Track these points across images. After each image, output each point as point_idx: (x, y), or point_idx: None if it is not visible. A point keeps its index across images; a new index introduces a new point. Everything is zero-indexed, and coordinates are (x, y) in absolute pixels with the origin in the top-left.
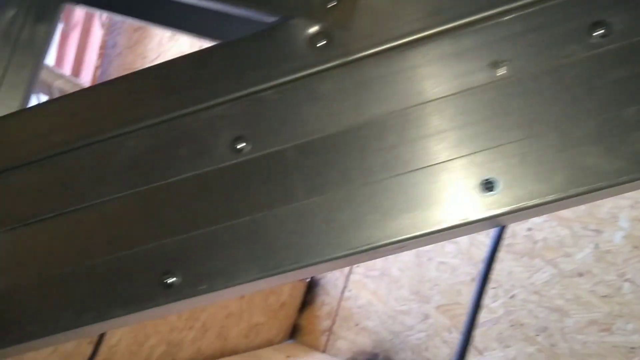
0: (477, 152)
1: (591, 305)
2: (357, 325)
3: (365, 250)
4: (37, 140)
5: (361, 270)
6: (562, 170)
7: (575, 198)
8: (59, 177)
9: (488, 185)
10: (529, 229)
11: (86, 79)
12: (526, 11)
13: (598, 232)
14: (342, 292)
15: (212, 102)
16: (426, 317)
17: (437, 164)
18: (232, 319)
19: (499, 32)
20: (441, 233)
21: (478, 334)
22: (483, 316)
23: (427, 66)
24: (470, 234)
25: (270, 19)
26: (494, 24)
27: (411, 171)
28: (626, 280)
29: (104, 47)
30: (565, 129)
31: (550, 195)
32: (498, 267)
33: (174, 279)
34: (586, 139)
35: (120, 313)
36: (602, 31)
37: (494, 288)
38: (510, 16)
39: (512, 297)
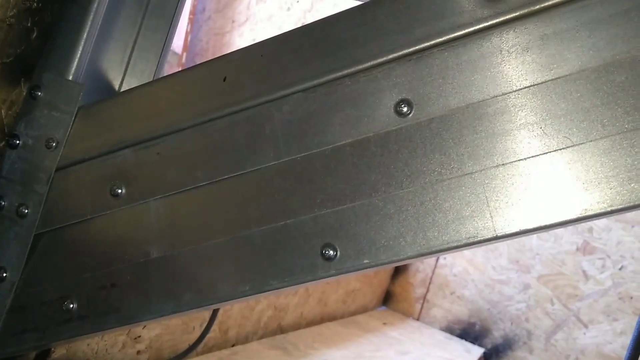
0: None
1: None
2: (452, 293)
3: (553, 226)
4: (189, 106)
5: None
6: None
7: None
8: (211, 144)
9: None
10: None
11: (177, 45)
12: None
13: None
14: (437, 259)
15: (373, 62)
16: (526, 287)
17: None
18: (331, 285)
19: None
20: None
21: (584, 306)
22: (589, 287)
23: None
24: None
25: None
26: None
27: (616, 134)
28: None
29: (194, 13)
30: None
31: None
32: (605, 237)
33: (335, 252)
34: None
35: (278, 285)
36: None
37: (601, 259)
38: None
39: (621, 268)
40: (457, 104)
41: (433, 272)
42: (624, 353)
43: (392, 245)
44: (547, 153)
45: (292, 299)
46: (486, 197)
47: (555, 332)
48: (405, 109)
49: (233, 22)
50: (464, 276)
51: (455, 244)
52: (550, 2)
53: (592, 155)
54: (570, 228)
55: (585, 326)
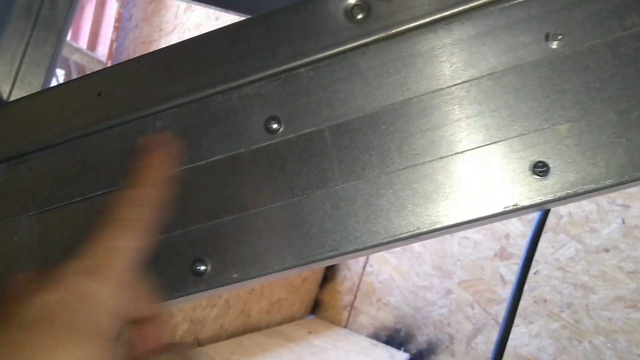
0: (528, 133)
1: (617, 281)
2: (379, 300)
3: (407, 238)
4: (63, 121)
5: None
6: (620, 154)
7: (631, 183)
8: (85, 160)
9: (539, 169)
10: None
11: (102, 53)
12: None
13: (625, 207)
14: (364, 267)
15: (244, 80)
16: (448, 292)
17: (484, 146)
18: (254, 295)
19: (554, 2)
20: (487, 219)
21: (500, 309)
22: (506, 292)
23: (474, 40)
24: (515, 217)
25: None
26: None
27: (456, 154)
28: None
29: (119, 20)
30: (625, 109)
31: (606, 181)
32: (521, 243)
33: (205, 267)
34: None
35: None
36: None
37: (516, 264)
38: None
39: (535, 272)
40: (324, 122)
41: (360, 280)
42: (540, 355)
43: (260, 260)
44: (402, 169)
45: (210, 311)
46: (347, 211)
47: (476, 336)
48: (274, 126)
49: (160, 30)
50: (389, 283)
51: (319, 257)
52: (404, 27)
53: (439, 171)
54: (488, 234)
55: None
